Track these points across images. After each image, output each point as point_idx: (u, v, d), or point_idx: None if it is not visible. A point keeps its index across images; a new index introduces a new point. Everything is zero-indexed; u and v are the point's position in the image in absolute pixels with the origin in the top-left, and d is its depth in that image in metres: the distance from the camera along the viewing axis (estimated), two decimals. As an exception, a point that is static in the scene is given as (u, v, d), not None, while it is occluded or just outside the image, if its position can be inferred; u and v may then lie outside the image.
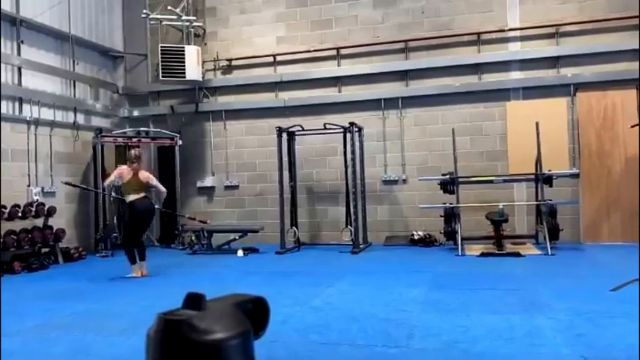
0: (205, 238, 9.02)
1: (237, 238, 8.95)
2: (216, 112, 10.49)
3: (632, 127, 8.39)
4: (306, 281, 6.21)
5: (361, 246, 8.77)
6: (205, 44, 10.48)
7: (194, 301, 0.91)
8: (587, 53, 8.77)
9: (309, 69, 10.04)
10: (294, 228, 9.14)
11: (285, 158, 9.23)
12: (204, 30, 10.47)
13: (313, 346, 3.74)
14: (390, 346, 3.66)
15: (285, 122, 9.47)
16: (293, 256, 8.55)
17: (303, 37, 10.10)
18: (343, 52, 9.89)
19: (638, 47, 8.35)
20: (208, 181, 10.44)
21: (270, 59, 10.21)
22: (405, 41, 9.57)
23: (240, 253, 8.56)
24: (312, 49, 9.98)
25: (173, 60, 9.66)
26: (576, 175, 8.39)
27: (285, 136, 9.25)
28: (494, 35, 9.21)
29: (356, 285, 5.89)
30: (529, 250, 7.99)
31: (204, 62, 10.27)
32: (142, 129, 10.50)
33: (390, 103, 9.65)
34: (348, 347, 3.69)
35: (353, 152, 8.79)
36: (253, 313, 0.97)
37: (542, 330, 3.90)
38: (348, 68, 9.88)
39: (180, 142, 10.12)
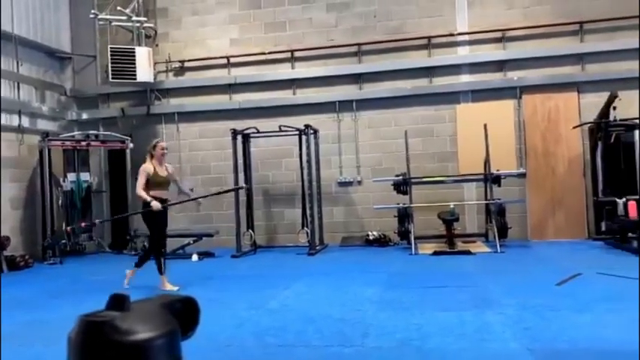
0: (159, 243, 8.82)
1: (191, 242, 8.83)
2: (168, 114, 10.32)
3: (574, 128, 8.80)
4: (263, 284, 6.19)
5: (317, 247, 8.81)
6: (157, 45, 10.30)
7: (118, 302, 0.90)
8: (532, 57, 9.13)
9: (264, 71, 10.03)
10: (250, 231, 9.10)
11: (240, 161, 9.18)
12: (156, 31, 10.28)
13: (269, 349, 3.74)
14: (346, 345, 3.71)
15: (239, 124, 9.41)
16: (249, 259, 8.51)
17: (257, 40, 10.07)
18: (297, 54, 9.93)
19: (630, 48, 8.69)
20: (162, 185, 10.23)
21: (224, 61, 10.13)
22: (359, 45, 9.69)
23: (194, 257, 8.44)
24: (266, 51, 9.96)
25: (123, 61, 9.44)
26: (523, 175, 8.71)
27: (240, 138, 9.20)
28: (444, 39, 9.45)
29: (312, 286, 5.93)
30: (479, 248, 8.23)
31: (155, 64, 10.08)
32: (91, 132, 10.21)
33: (345, 105, 9.75)
34: (303, 348, 3.71)
35: (308, 154, 8.83)
36: (182, 314, 0.97)
37: (491, 325, 4.03)
38: (302, 71, 9.92)
39: (131, 146, 9.89)
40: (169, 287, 5.96)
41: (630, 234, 7.28)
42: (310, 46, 9.85)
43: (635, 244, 7.04)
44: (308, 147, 8.84)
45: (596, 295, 4.82)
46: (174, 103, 10.38)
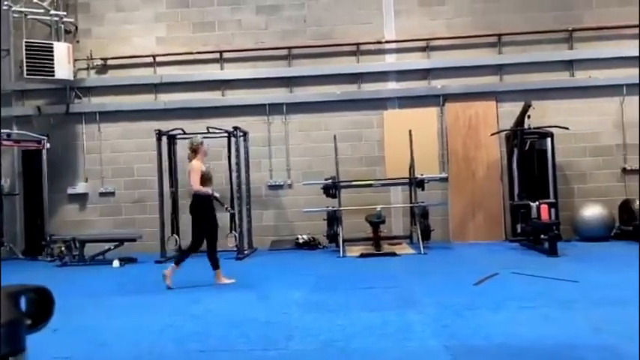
0: (77, 249, 8.40)
1: (112, 247, 8.46)
2: (89, 113, 9.86)
3: (492, 135, 9.25)
4: (187, 289, 6.02)
5: (246, 251, 8.71)
6: (77, 42, 9.83)
7: None
8: (455, 67, 9.52)
9: (192, 71, 9.82)
10: (175, 235, 8.84)
11: (165, 163, 8.91)
12: (76, 26, 9.82)
13: (191, 355, 3.64)
14: (269, 349, 3.68)
15: (165, 125, 9.13)
16: (174, 264, 8.25)
17: (185, 39, 9.85)
18: (227, 55, 9.80)
19: (543, 61, 9.28)
20: (81, 188, 9.77)
21: (150, 60, 9.82)
22: (289, 48, 9.70)
23: (115, 263, 8.09)
24: (194, 51, 9.76)
25: (40, 57, 8.94)
26: (445, 179, 9.05)
27: (165, 139, 8.93)
28: (372, 47, 9.66)
29: (239, 291, 5.84)
30: (404, 249, 8.45)
31: (76, 61, 9.63)
32: (3, 131, 9.55)
33: (275, 108, 9.73)
34: (226, 353, 3.64)
35: (238, 157, 8.72)
36: (33, 304, 0.94)
37: (412, 324, 4.14)
38: (231, 72, 9.80)
39: (48, 146, 9.35)
40: (227, 281, 6.14)
41: (542, 235, 7.72)
42: (239, 47, 9.75)
43: (546, 245, 7.47)
44: (237, 149, 8.73)
45: (511, 293, 5.07)
46: (96, 102, 9.94)
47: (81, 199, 9.83)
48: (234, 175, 8.77)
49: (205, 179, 6.15)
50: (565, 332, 3.77)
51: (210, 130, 8.66)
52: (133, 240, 8.64)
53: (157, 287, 6.28)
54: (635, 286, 5.20)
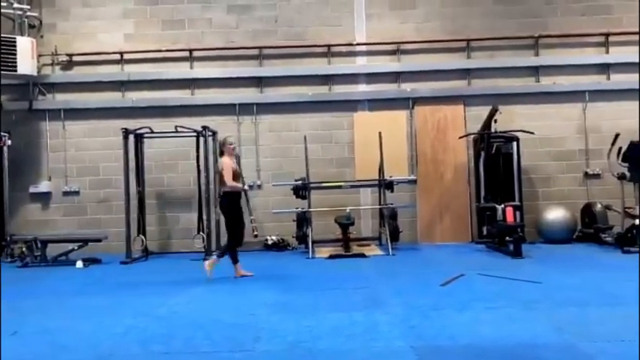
0: (38, 249, 8.17)
1: (75, 248, 8.25)
2: (53, 110, 9.61)
3: (460, 138, 9.40)
4: (153, 291, 5.93)
5: (214, 253, 8.59)
6: (42, 36, 9.57)
7: None
8: (424, 70, 9.62)
9: (160, 69, 9.67)
10: (141, 236, 8.69)
11: (132, 162, 8.74)
12: (41, 21, 9.55)
13: (154, 357, 3.58)
14: (236, 350, 3.64)
15: (132, 124, 8.96)
16: (140, 265, 8.12)
17: (154, 37, 9.70)
18: (196, 54, 9.69)
19: (510, 66, 9.48)
20: (44, 187, 9.50)
21: (117, 57, 9.63)
22: (260, 48, 9.65)
23: (79, 264, 7.89)
24: (163, 49, 9.62)
25: (2, 51, 8.65)
26: (414, 181, 9.14)
27: (132, 138, 8.76)
28: (343, 49, 9.69)
29: (205, 292, 5.77)
30: (373, 250, 8.50)
31: (40, 56, 9.37)
32: (-39, 127, 9.23)
33: (245, 108, 9.66)
34: (191, 355, 3.59)
35: (206, 157, 8.62)
36: None
37: (380, 325, 4.16)
38: (201, 71, 9.69)
39: (9, 143, 9.08)
40: (246, 273, 6.42)
41: (507, 237, 7.87)
42: (210, 46, 9.66)
43: (511, 247, 7.62)
44: (206, 149, 8.63)
45: (476, 294, 5.15)
46: (61, 99, 9.69)
47: (43, 198, 9.56)
48: (202, 175, 8.66)
49: (235, 176, 6.44)
50: (527, 332, 3.85)
51: (179, 130, 8.55)
52: (98, 240, 8.46)
53: (121, 289, 6.16)
54: (595, 287, 5.36)
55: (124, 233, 8.44)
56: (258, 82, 9.70)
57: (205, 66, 9.72)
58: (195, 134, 8.70)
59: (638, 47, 9.07)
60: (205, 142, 8.63)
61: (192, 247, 8.70)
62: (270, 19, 9.73)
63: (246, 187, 6.71)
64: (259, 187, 9.64)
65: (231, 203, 6.42)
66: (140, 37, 9.70)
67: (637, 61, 9.48)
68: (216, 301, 5.30)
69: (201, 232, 8.68)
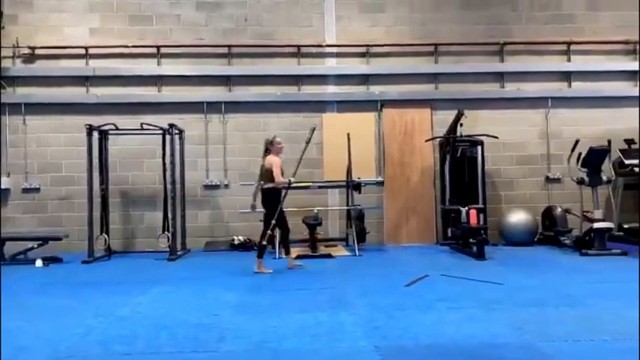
0: (-5, 247, 7.90)
1: (35, 246, 8.02)
2: (14, 105, 9.32)
3: (427, 141, 9.53)
4: (115, 290, 5.81)
5: (179, 252, 8.51)
6: (3, 28, 9.26)
7: None
8: (392, 74, 9.72)
9: (127, 65, 9.49)
10: (104, 235, 8.50)
11: (96, 159, 8.54)
12: (1, 12, 9.25)
13: (115, 358, 3.51)
14: (199, 351, 3.60)
15: (97, 120, 8.76)
16: (102, 265, 7.94)
17: (120, 32, 9.51)
18: (164, 50, 9.55)
19: (476, 71, 9.68)
20: (2, 183, 9.19)
21: (82, 51, 9.41)
22: (229, 46, 9.58)
23: (38, 263, 7.67)
24: (130, 44, 9.44)
25: (-41, 42, 8.35)
26: (381, 183, 9.22)
27: (96, 134, 8.56)
28: (313, 49, 9.71)
29: (169, 292, 5.69)
30: (340, 251, 8.54)
31: (0, 48, 9.06)
32: None
33: (213, 107, 9.57)
34: (153, 356, 3.53)
35: (173, 155, 8.50)
36: None
37: (345, 325, 4.18)
38: (169, 68, 9.55)
39: (-34, 137, 8.78)
40: (265, 271, 6.64)
41: (471, 239, 8.02)
42: (178, 43, 9.54)
43: (474, 248, 7.77)
44: (172, 147, 8.51)
45: (440, 295, 5.23)
46: (22, 93, 9.41)
47: (1, 194, 9.26)
48: (168, 174, 8.54)
49: (281, 170, 6.82)
50: (488, 332, 3.93)
51: (145, 127, 8.41)
52: (59, 239, 8.25)
53: (82, 288, 6.02)
54: (554, 288, 5.51)
55: (86, 232, 8.24)
56: (227, 80, 9.63)
57: (173, 63, 9.60)
58: (161, 132, 8.57)
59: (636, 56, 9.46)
60: (172, 140, 8.51)
61: (157, 247, 8.56)
62: (240, 18, 9.67)
63: (292, 179, 7.03)
64: (226, 186, 9.57)
65: (277, 198, 6.84)
66: (106, 31, 9.51)
67: (597, 70, 9.85)
68: (180, 301, 5.23)
69: (166, 232, 8.55)
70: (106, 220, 8.65)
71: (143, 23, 9.56)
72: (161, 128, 8.53)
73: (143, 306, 5.01)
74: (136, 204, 9.44)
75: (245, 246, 9.04)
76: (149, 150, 9.28)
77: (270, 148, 6.94)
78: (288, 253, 7.04)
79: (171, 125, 8.54)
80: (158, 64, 9.56)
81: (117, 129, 8.56)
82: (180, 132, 8.99)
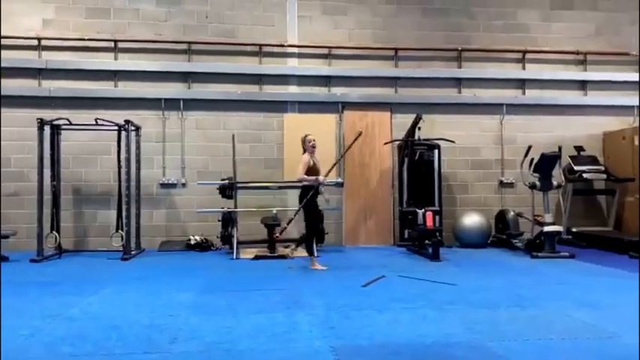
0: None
1: (-20, 244, 7.68)
2: (-41, 96, 8.90)
3: (385, 144, 9.64)
4: (64, 290, 5.63)
5: (133, 252, 8.31)
6: (-52, 15, 8.84)
7: None
8: (353, 76, 9.79)
9: (82, 58, 9.21)
10: (54, 233, 8.22)
11: (47, 155, 8.25)
12: (-52, -2, 8.82)
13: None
14: (151, 352, 3.53)
15: (49, 114, 8.47)
16: (52, 264, 7.67)
17: (76, 24, 9.23)
18: (122, 45, 9.31)
19: (434, 77, 9.84)
20: (-55, 177, 8.77)
21: (34, 42, 9.07)
22: (189, 43, 9.44)
23: (-17, 261, 7.36)
24: (86, 37, 9.17)
25: None
26: (341, 184, 9.26)
27: (48, 129, 8.27)
28: (275, 49, 9.67)
29: (122, 292, 5.55)
30: (299, 252, 8.50)
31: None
32: None
33: (171, 103, 9.40)
34: (103, 357, 3.44)
35: (128, 152, 8.30)
36: None
37: (300, 325, 4.18)
38: (126, 63, 9.32)
39: None
40: (320, 267, 6.83)
41: (427, 241, 8.16)
42: (136, 38, 9.32)
43: (430, 250, 7.90)
44: (128, 144, 8.31)
45: (395, 295, 5.29)
46: (-32, 84, 8.99)
47: (-56, 190, 8.82)
48: (123, 171, 8.33)
49: (313, 174, 6.84)
50: (441, 331, 4.01)
51: (99, 123, 8.18)
52: (6, 237, 7.93)
53: (29, 288, 5.79)
54: (505, 289, 5.67)
55: (36, 229, 7.95)
56: (186, 77, 9.48)
57: (131, 58, 9.37)
58: (117, 128, 8.36)
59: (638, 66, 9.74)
60: (128, 136, 8.31)
61: (110, 246, 8.34)
62: (201, 15, 9.55)
63: (321, 178, 6.89)
64: (183, 185, 9.42)
65: (304, 196, 6.84)
66: (61, 23, 9.20)
67: (549, 78, 10.20)
68: (132, 301, 5.10)
69: (119, 230, 8.34)
70: (56, 218, 8.37)
71: (100, 16, 9.30)
72: (117, 124, 8.32)
73: (94, 306, 4.87)
74: (88, 201, 9.17)
75: (201, 246, 8.91)
76: (104, 146, 9.04)
77: (303, 146, 7.01)
78: (311, 254, 7.00)
79: (128, 121, 8.34)
80: (115, 59, 9.32)
81: (70, 124, 8.30)
82: (137, 128, 8.79)
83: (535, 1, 10.29)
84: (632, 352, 3.50)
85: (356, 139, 7.87)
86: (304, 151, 7.01)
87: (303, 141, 7.03)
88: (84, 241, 9.09)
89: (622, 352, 3.52)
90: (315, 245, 7.01)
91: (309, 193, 6.86)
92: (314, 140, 7.02)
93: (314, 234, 7.01)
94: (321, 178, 6.86)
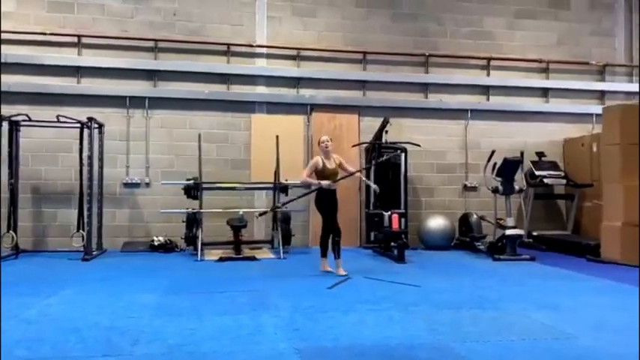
0: None
1: None
2: None
3: (353, 146, 9.69)
4: (21, 291, 5.44)
5: (94, 252, 8.11)
6: None
7: None
8: (322, 78, 9.81)
9: (44, 53, 8.95)
10: (11, 232, 7.95)
11: (5, 152, 7.98)
12: None
13: (17, 364, 3.28)
14: (111, 355, 3.44)
15: (8, 110, 8.18)
16: (9, 264, 7.41)
17: (38, 18, 8.97)
18: (85, 40, 9.10)
19: (401, 81, 9.95)
20: None
21: (-7, 35, 8.77)
22: (156, 40, 9.28)
23: None
24: (48, 32, 8.92)
25: None
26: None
27: (6, 125, 8.00)
28: (243, 49, 9.61)
29: (82, 294, 5.40)
30: (265, 254, 8.48)
31: None
32: None
33: (137, 101, 9.23)
34: (61, 361, 3.34)
35: (91, 150, 8.10)
36: None
37: (265, 327, 4.15)
38: (90, 59, 9.10)
39: None
40: (329, 269, 6.62)
41: (392, 243, 8.23)
42: (101, 34, 9.12)
43: (396, 252, 7.97)
44: (91, 142, 8.11)
45: (361, 297, 5.32)
46: None
47: None
48: (85, 169, 8.12)
49: (324, 176, 6.59)
50: (406, 333, 4.04)
51: (61, 120, 7.96)
52: (-42, 236, 7.62)
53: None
54: (468, 291, 5.76)
55: (-9, 229, 7.68)
56: (152, 75, 9.31)
57: (95, 54, 9.16)
58: (79, 126, 8.15)
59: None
60: (90, 134, 8.10)
61: (71, 246, 8.12)
62: (169, 12, 9.41)
63: (323, 182, 6.59)
64: (147, 185, 9.25)
65: (317, 198, 6.73)
66: (21, 17, 8.92)
67: (513, 85, 10.45)
68: (93, 302, 4.97)
69: (80, 230, 8.13)
70: (14, 217, 8.09)
71: (63, 11, 9.06)
72: (79, 121, 8.11)
73: (52, 308, 4.73)
74: (48, 200, 8.91)
75: (165, 247, 8.77)
76: (65, 144, 8.80)
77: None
78: (322, 255, 6.82)
79: (91, 119, 8.14)
80: (79, 54, 9.09)
81: (30, 120, 8.04)
82: (100, 126, 8.60)
83: (501, 10, 10.53)
84: (589, 353, 3.61)
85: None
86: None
87: (318, 142, 6.89)
88: (43, 241, 8.82)
89: (579, 353, 3.62)
90: (329, 246, 6.75)
91: (319, 195, 6.70)
92: (327, 141, 6.74)
93: (326, 234, 6.76)
94: (324, 183, 6.57)
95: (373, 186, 7.35)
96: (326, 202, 6.68)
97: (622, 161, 7.91)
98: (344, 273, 6.50)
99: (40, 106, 8.64)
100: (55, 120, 7.96)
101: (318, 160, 6.68)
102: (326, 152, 6.72)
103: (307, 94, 9.77)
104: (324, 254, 6.79)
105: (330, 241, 6.76)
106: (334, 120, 9.80)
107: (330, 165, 6.69)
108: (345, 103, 9.87)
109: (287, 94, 9.75)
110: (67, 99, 8.89)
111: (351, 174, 7.03)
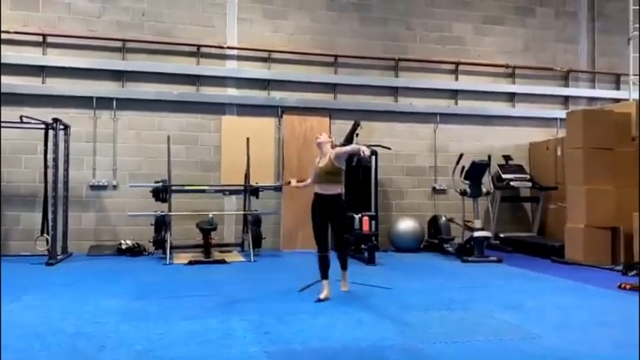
0: None
1: None
2: None
3: (325, 149, 9.70)
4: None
5: (59, 257, 7.91)
6: None
7: None
8: (293, 80, 9.80)
9: (7, 52, 8.68)
10: (-27, 236, 7.69)
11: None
12: None
13: (-23, 373, 3.17)
14: (76, 361, 3.37)
15: (-33, 110, 7.94)
16: (-32, 269, 7.17)
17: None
18: (51, 40, 8.88)
19: (372, 85, 9.99)
20: None
21: (-48, 33, 8.49)
22: (124, 41, 9.13)
23: None
24: (11, 30, 8.67)
25: None
26: (279, 188, 9.24)
27: (-34, 126, 7.75)
28: (213, 50, 9.53)
29: (46, 299, 5.26)
30: (235, 257, 8.42)
31: None
32: None
33: (103, 102, 9.05)
34: (23, 368, 3.24)
35: (56, 152, 7.90)
36: None
37: (235, 331, 4.12)
38: (55, 58, 8.89)
39: None
40: (344, 288, 5.73)
41: (363, 245, 8.28)
42: (67, 33, 8.92)
43: (366, 254, 8.02)
44: (56, 144, 7.91)
45: (332, 299, 5.33)
46: None
47: None
48: (50, 172, 7.92)
49: (316, 175, 5.75)
50: (376, 335, 4.07)
51: (25, 120, 7.75)
52: None
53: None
54: (437, 292, 5.84)
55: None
56: (120, 76, 9.15)
57: (60, 54, 8.94)
58: (44, 126, 7.95)
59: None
60: (56, 135, 7.91)
61: (34, 250, 7.90)
62: (137, 12, 9.26)
63: (292, 180, 6.33)
64: (115, 187, 9.07)
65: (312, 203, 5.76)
66: (-17, 13, 8.65)
67: (480, 89, 10.66)
68: (58, 308, 4.85)
69: (45, 234, 7.92)
70: (-25, 221, 7.83)
71: (27, 9, 8.83)
72: (44, 122, 7.91)
73: (15, 314, 4.59)
74: (11, 203, 8.64)
75: (133, 251, 8.61)
76: (29, 145, 8.57)
77: None
78: (344, 267, 5.83)
79: (56, 120, 7.95)
80: (43, 54, 8.87)
81: (-8, 120, 7.80)
82: (66, 127, 8.40)
83: (469, 16, 10.73)
84: (554, 352, 3.70)
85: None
86: None
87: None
88: (5, 245, 8.55)
89: (544, 352, 3.71)
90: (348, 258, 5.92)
91: (313, 200, 5.81)
92: (319, 136, 5.89)
93: (318, 249, 5.75)
94: (293, 183, 6.27)
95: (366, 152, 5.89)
96: (315, 208, 5.73)
97: (584, 165, 8.14)
98: (345, 289, 5.74)
99: (2, 107, 8.38)
100: (19, 120, 7.74)
101: (315, 161, 5.91)
102: (320, 149, 5.78)
103: (278, 96, 9.76)
104: (321, 275, 5.56)
105: (328, 255, 5.74)
106: (305, 122, 9.81)
107: (321, 163, 5.67)
108: (316, 106, 9.89)
109: (258, 96, 9.71)
110: (32, 99, 8.66)
111: (352, 155, 6.17)
